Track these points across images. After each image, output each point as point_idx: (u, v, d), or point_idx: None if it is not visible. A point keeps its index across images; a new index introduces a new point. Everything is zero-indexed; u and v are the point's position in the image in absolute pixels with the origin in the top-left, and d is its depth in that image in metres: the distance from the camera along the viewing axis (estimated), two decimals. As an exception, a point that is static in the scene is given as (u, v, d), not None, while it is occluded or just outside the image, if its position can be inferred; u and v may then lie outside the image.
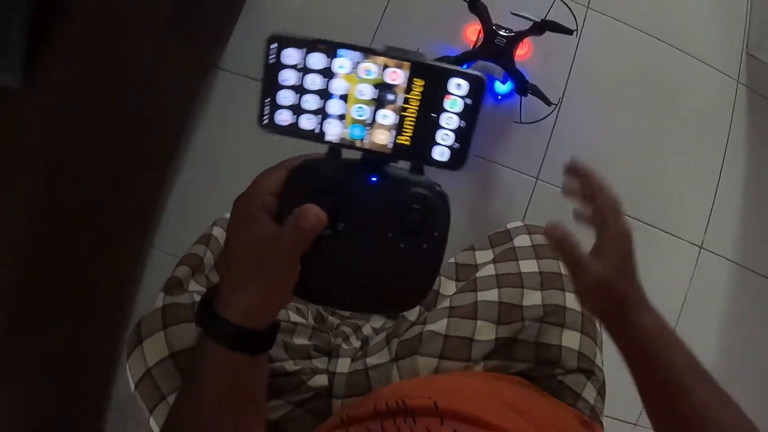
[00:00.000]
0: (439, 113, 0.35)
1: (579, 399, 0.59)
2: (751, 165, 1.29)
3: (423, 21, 1.20)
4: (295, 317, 0.65)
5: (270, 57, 0.34)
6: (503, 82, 1.10)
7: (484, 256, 0.71)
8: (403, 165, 0.40)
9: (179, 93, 1.01)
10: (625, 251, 0.48)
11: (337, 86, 0.35)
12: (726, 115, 1.30)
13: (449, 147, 0.36)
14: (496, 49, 0.99)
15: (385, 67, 0.34)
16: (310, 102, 0.36)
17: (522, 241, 0.69)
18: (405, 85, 0.35)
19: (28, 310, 0.82)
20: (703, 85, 1.31)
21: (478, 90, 0.35)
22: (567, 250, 0.46)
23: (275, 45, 0.34)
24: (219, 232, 0.70)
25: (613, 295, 0.46)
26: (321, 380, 0.59)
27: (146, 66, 0.80)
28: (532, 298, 0.62)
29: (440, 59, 1.04)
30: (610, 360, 0.66)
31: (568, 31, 0.97)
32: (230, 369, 0.39)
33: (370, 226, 0.38)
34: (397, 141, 0.36)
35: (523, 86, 1.04)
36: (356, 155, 0.38)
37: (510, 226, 0.74)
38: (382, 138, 0.36)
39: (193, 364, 0.41)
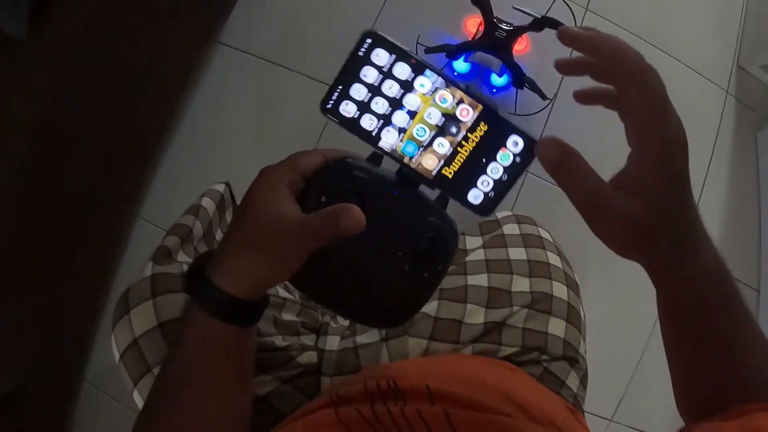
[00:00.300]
0: (489, 160, 0.37)
1: (563, 386, 0.60)
2: (734, 173, 1.32)
3: (425, 9, 1.20)
4: (283, 293, 0.65)
5: (360, 49, 0.35)
6: (500, 75, 1.11)
7: (474, 242, 0.71)
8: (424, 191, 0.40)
9: (177, 59, 1.00)
10: (676, 168, 0.31)
11: (411, 101, 0.36)
12: (713, 124, 1.33)
13: (485, 193, 0.38)
14: (496, 41, 1.00)
15: (460, 101, 0.36)
16: (379, 105, 0.37)
17: (511, 229, 0.69)
18: (470, 124, 0.36)
19: (5, 274, 0.80)
20: (693, 93, 1.33)
21: (531, 154, 0.36)
22: (571, 175, 0.30)
23: (369, 40, 0.35)
24: (208, 203, 0.68)
25: (657, 242, 0.33)
26: (310, 357, 0.59)
27: (149, 29, 0.79)
28: (521, 284, 0.62)
29: (441, 47, 1.04)
30: (588, 354, 0.68)
31: (568, 29, 0.97)
32: (218, 339, 0.39)
33: (385, 239, 0.39)
34: (442, 171, 0.38)
35: (519, 79, 1.04)
36: (392, 167, 0.39)
37: (499, 215, 0.74)
38: (430, 163, 0.38)
39: (179, 332, 0.40)
